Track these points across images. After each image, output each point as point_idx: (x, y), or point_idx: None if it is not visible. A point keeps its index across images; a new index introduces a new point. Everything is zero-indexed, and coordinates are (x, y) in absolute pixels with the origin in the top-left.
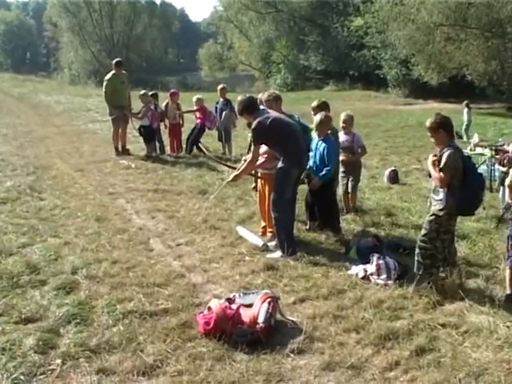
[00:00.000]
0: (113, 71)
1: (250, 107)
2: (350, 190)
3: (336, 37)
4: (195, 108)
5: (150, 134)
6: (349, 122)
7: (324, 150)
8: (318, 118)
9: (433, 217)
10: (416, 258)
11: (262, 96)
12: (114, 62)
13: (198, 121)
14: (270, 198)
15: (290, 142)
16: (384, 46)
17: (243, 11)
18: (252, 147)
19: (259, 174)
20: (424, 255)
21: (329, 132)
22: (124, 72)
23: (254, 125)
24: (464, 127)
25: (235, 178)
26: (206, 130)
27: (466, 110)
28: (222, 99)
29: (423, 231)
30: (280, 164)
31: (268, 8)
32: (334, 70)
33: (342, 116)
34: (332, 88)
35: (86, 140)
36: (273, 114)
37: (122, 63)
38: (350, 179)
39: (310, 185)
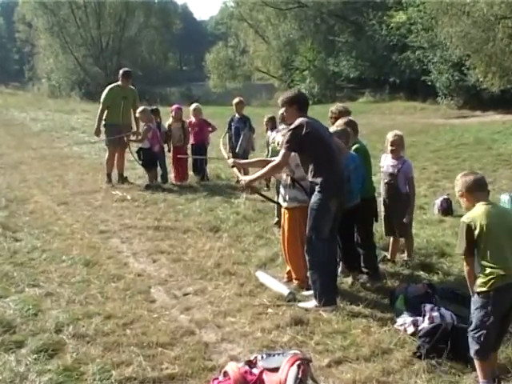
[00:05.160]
0: (118, 82)
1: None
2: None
3: (373, 36)
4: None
5: (150, 159)
6: (399, 143)
7: None
8: None
9: None
10: None
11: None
12: (121, 71)
13: (192, 140)
14: (305, 236)
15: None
16: (432, 46)
17: (259, 7)
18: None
19: (285, 205)
20: None
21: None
22: (132, 87)
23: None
24: None
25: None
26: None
27: None
28: (237, 115)
29: None
30: (315, 195)
31: (289, 3)
32: (370, 76)
33: (390, 136)
34: (368, 99)
35: (70, 166)
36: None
37: (132, 75)
38: (394, 217)
39: None
